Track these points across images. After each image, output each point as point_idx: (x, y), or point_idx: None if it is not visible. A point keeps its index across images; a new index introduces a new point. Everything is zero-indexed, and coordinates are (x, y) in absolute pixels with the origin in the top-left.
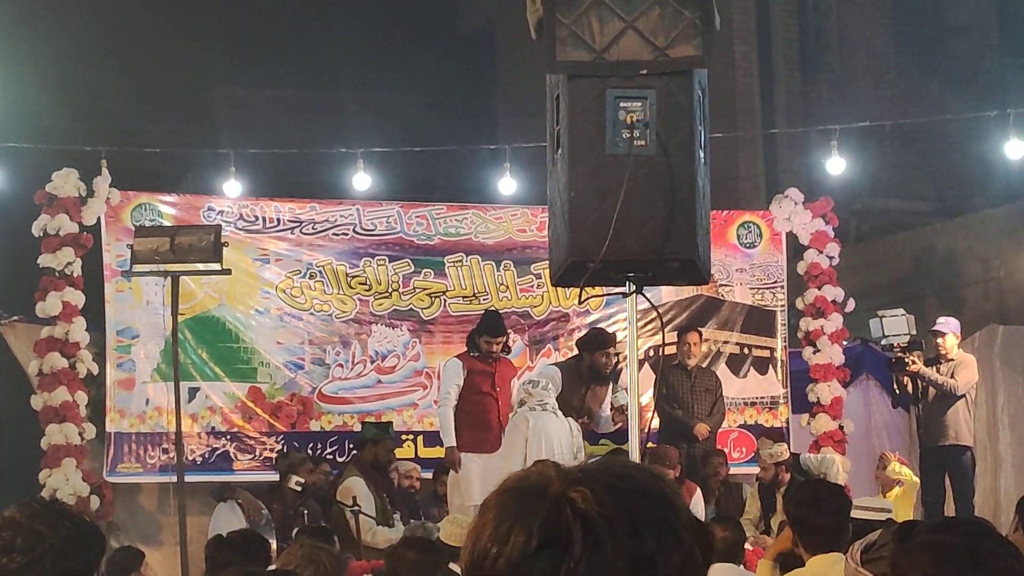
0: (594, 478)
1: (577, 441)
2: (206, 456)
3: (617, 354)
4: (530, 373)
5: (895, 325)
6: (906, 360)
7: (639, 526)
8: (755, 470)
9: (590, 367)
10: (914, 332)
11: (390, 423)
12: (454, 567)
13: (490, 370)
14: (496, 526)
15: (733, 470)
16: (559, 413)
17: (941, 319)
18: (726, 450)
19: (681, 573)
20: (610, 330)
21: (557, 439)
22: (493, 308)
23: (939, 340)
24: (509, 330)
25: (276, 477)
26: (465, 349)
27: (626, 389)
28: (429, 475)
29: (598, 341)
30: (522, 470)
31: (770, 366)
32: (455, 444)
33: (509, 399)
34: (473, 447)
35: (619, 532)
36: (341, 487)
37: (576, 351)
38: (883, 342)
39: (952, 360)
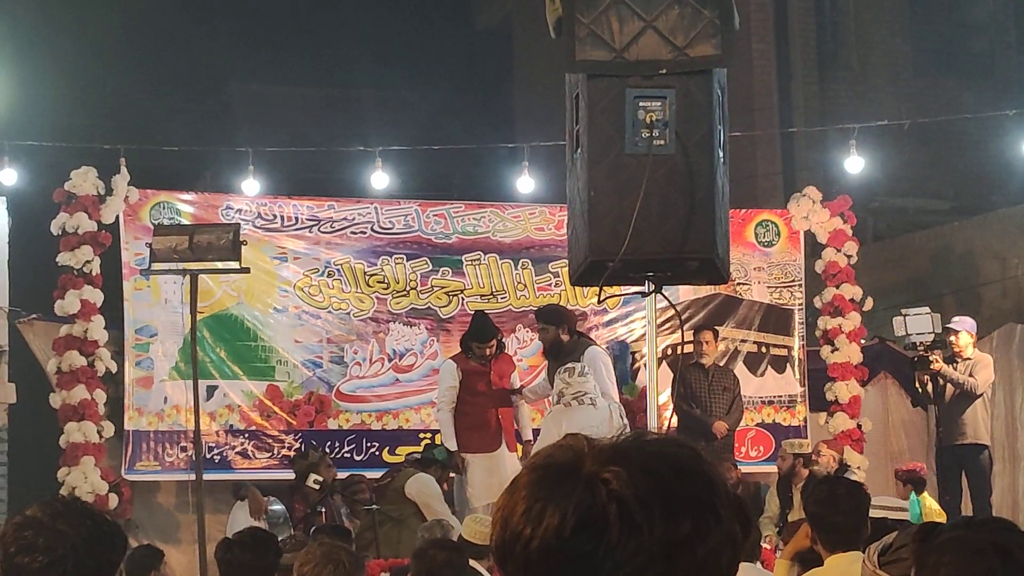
0: (628, 457)
1: (618, 429)
2: (224, 454)
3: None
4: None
5: (919, 324)
6: (929, 359)
7: (676, 508)
8: (773, 469)
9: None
10: (938, 331)
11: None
12: (475, 565)
13: (484, 370)
14: (529, 506)
15: (751, 469)
16: (599, 401)
17: (956, 318)
18: (744, 448)
19: (719, 551)
20: (628, 328)
21: (596, 435)
22: (481, 311)
23: (951, 338)
24: (527, 328)
25: (294, 476)
26: (460, 350)
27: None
28: None
29: (536, 319)
30: (553, 445)
31: (788, 365)
32: (457, 447)
33: (508, 396)
34: (472, 448)
35: (656, 515)
36: (412, 480)
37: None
38: (907, 341)
39: (969, 359)
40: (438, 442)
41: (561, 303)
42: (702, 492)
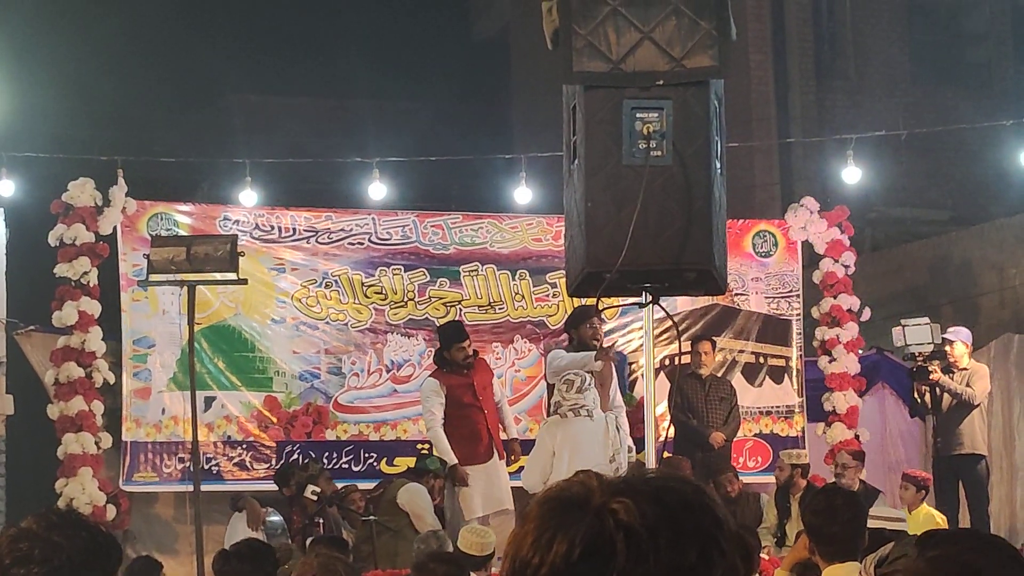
0: (637, 490)
1: (614, 442)
2: (222, 465)
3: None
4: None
5: (919, 334)
6: (928, 369)
7: (681, 537)
8: (771, 479)
9: (577, 344)
10: (937, 341)
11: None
12: None
13: (467, 381)
14: (538, 536)
15: (749, 479)
16: (595, 413)
17: (951, 328)
18: (741, 459)
19: None
20: (626, 339)
21: (589, 448)
22: (451, 320)
23: (947, 348)
24: (524, 339)
25: (278, 487)
26: (436, 367)
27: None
28: None
29: (582, 315)
30: (564, 480)
31: (785, 375)
32: (456, 461)
33: (493, 404)
34: (466, 460)
35: (662, 544)
36: (403, 490)
37: (567, 337)
38: (906, 351)
39: (965, 369)
40: (435, 453)
41: (560, 314)
42: (708, 525)
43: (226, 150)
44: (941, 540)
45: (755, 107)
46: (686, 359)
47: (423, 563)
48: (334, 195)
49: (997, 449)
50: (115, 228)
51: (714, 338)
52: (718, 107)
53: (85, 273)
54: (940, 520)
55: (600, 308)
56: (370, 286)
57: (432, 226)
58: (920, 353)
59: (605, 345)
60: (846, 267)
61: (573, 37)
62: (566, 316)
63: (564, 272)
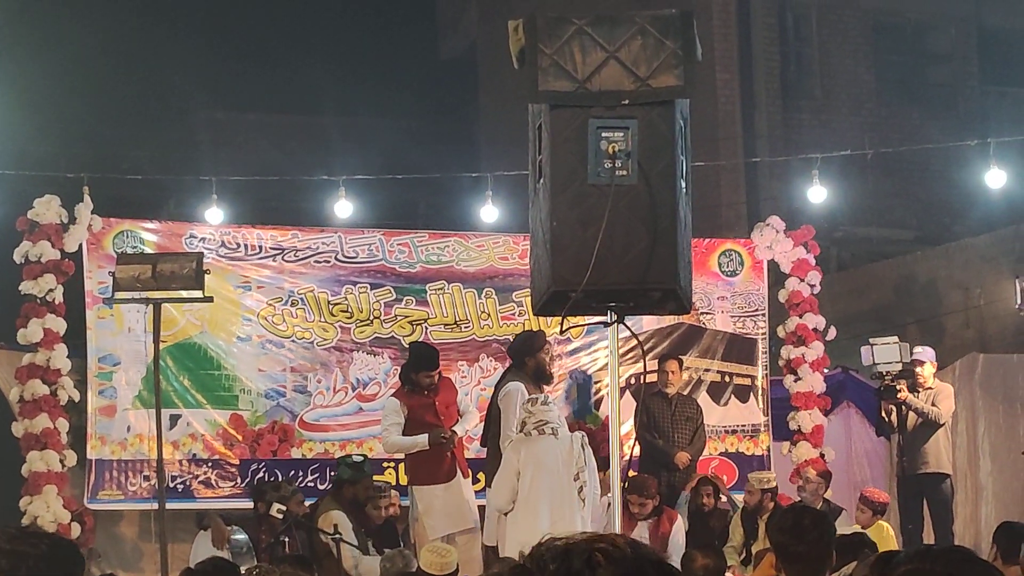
0: None
1: (579, 460)
2: (187, 483)
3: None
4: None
5: (887, 353)
6: (896, 388)
7: None
8: (736, 497)
9: (535, 371)
10: (906, 360)
11: (365, 459)
12: None
13: (430, 401)
14: None
15: None
16: (560, 431)
17: (918, 348)
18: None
19: None
20: (592, 358)
21: (553, 465)
22: (419, 341)
23: (917, 369)
24: (490, 357)
25: (254, 504)
26: (401, 385)
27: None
28: (407, 502)
29: (538, 341)
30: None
31: (751, 394)
32: (427, 440)
33: (456, 423)
34: (429, 480)
35: None
36: (322, 518)
37: (510, 362)
38: (874, 370)
39: (930, 389)
40: (405, 474)
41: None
42: None
43: (192, 167)
44: (914, 555)
45: (721, 126)
46: (652, 378)
47: None
48: (300, 213)
49: (962, 468)
50: (81, 245)
51: (680, 357)
52: (683, 126)
53: (50, 290)
54: (889, 533)
55: (566, 328)
56: (336, 304)
57: (398, 244)
58: (888, 372)
59: (564, 371)
60: (812, 286)
61: (539, 56)
62: (518, 341)
63: (530, 291)
